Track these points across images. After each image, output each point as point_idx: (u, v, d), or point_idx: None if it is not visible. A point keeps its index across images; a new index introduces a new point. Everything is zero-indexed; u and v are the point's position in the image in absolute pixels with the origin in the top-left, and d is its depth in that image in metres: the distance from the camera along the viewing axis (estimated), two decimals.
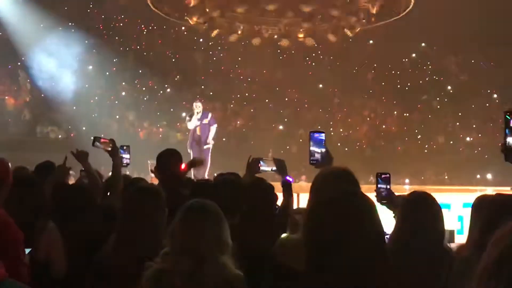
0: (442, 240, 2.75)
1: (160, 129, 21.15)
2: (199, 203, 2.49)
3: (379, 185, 3.61)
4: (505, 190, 13.82)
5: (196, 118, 12.53)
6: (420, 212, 2.69)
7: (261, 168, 4.17)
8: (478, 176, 19.21)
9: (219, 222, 2.43)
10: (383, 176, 3.66)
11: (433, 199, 2.87)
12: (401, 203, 2.91)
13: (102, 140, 4.63)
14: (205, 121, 12.57)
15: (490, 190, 11.30)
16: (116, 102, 21.22)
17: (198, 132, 12.46)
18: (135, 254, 2.57)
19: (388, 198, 3.52)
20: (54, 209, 3.64)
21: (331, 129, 21.83)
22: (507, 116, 2.24)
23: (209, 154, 12.31)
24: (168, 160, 4.47)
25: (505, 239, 0.79)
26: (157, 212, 2.75)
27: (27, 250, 3.07)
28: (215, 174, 4.22)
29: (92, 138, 4.68)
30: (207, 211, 2.45)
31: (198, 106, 12.66)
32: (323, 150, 3.11)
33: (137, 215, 2.73)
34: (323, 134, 3.17)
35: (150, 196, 2.84)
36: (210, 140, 12.54)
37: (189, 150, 12.25)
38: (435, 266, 2.52)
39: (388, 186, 3.61)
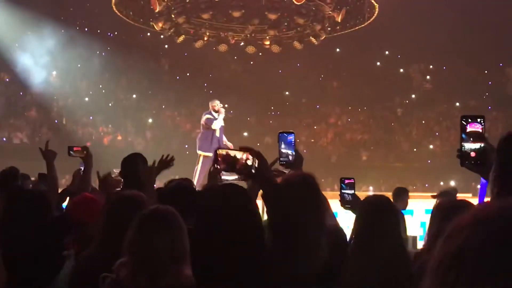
0: (401, 243, 2.75)
1: (126, 135, 20.96)
2: (153, 210, 2.43)
3: (342, 190, 3.62)
4: (467, 196, 14.09)
5: (222, 118, 11.16)
6: (377, 216, 2.69)
7: (223, 177, 3.99)
8: (442, 183, 19.52)
9: (174, 229, 2.37)
10: (346, 181, 3.67)
11: (390, 203, 2.88)
12: (359, 207, 2.91)
13: (75, 148, 4.72)
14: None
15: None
16: (81, 107, 20.95)
17: (217, 134, 11.09)
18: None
19: (351, 203, 3.52)
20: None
21: (297, 136, 21.93)
22: (463, 121, 2.28)
23: None
24: (132, 164, 4.41)
25: (464, 230, 0.80)
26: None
27: None
28: (165, 182, 4.04)
29: (67, 147, 4.71)
30: (161, 219, 2.38)
31: (218, 104, 11.26)
32: (292, 151, 3.09)
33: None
34: (292, 135, 3.15)
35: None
36: (227, 142, 11.25)
37: (207, 153, 10.79)
38: (394, 269, 2.53)
39: (353, 191, 3.62)
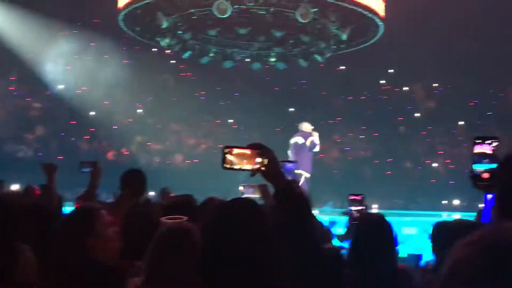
0: (395, 260, 2.78)
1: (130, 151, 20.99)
2: (172, 229, 2.45)
3: (349, 207, 3.67)
4: (472, 215, 14.06)
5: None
6: (371, 233, 2.72)
7: (244, 193, 3.97)
8: (445, 201, 19.48)
9: (195, 244, 2.39)
10: (352, 197, 3.71)
11: (384, 220, 2.91)
12: (356, 224, 2.95)
13: (86, 162, 4.68)
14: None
15: (457, 216, 11.49)
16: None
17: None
18: None
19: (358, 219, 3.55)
20: None
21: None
22: (474, 142, 2.29)
23: None
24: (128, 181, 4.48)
25: (452, 255, 0.85)
26: None
27: None
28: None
29: (79, 163, 4.70)
30: (185, 237, 2.41)
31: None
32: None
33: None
34: (294, 164, 3.26)
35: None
36: None
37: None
38: (389, 284, 2.55)
39: (362, 207, 3.66)
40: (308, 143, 11.98)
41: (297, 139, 12.20)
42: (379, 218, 2.89)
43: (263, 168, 2.40)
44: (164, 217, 2.78)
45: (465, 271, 0.84)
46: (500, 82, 23.44)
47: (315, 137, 12.10)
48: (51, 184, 4.50)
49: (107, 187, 5.52)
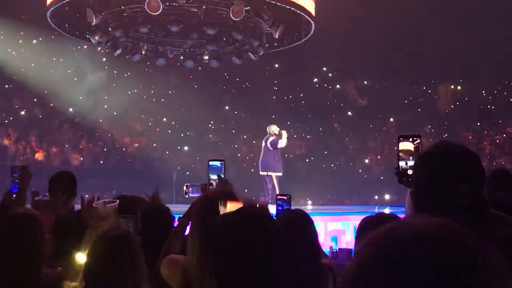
0: (318, 256, 2.82)
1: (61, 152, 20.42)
2: (113, 235, 2.40)
3: (278, 207, 3.71)
4: (401, 210, 14.49)
5: (286, 137, 12.65)
6: (295, 229, 2.75)
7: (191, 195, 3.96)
8: (376, 196, 19.99)
9: (134, 251, 2.35)
10: (279, 197, 3.77)
11: (306, 216, 2.94)
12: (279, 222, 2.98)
13: (16, 167, 4.44)
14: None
15: (388, 210, 11.80)
16: (13, 121, 20.30)
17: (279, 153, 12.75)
18: None
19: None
20: None
21: (237, 150, 22.05)
22: (399, 139, 2.38)
23: None
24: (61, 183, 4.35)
25: (361, 251, 0.82)
26: None
27: None
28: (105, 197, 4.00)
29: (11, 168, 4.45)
30: (119, 241, 2.37)
31: (277, 128, 12.73)
32: (217, 176, 3.27)
33: None
34: (221, 162, 3.33)
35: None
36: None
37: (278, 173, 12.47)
38: (310, 282, 2.58)
39: (288, 207, 3.71)
40: (268, 144, 12.44)
41: (263, 142, 12.69)
42: (300, 215, 2.92)
43: None
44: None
45: (360, 270, 0.82)
46: (429, 80, 24.30)
47: (277, 136, 12.51)
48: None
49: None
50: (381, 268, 0.78)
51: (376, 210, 12.29)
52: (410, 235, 0.80)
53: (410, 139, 2.38)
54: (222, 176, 3.30)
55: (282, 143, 12.42)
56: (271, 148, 12.42)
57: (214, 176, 3.30)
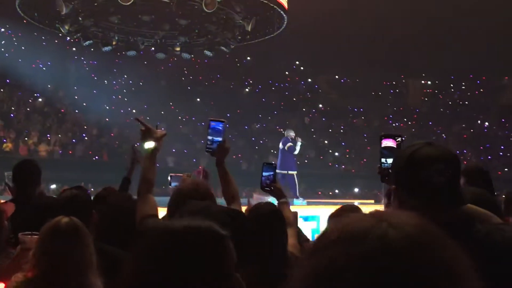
0: (285, 246, 2.82)
1: (30, 142, 20.06)
2: (55, 224, 2.37)
3: (264, 173, 3.62)
4: (369, 202, 14.67)
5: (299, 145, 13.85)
6: (265, 224, 2.75)
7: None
8: (346, 190, 20.16)
9: (81, 241, 2.33)
10: (266, 164, 3.69)
11: (277, 211, 2.95)
12: (248, 214, 2.97)
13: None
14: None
15: (357, 203, 11.90)
16: None
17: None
18: None
19: (270, 185, 3.57)
20: None
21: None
22: (380, 138, 2.39)
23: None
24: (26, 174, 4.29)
25: (329, 248, 0.79)
26: None
27: None
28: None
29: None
30: (68, 231, 2.34)
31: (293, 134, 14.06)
32: (219, 139, 3.11)
33: None
34: (221, 124, 3.15)
35: None
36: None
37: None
38: (282, 278, 2.58)
39: (273, 173, 3.65)
40: (286, 148, 13.63)
41: (280, 145, 13.92)
42: (272, 208, 2.93)
43: None
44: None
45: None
46: (398, 74, 24.55)
47: (294, 143, 13.73)
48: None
49: None
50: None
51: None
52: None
53: (392, 138, 2.39)
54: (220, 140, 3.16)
55: (297, 150, 13.69)
56: (289, 151, 13.64)
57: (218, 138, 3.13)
